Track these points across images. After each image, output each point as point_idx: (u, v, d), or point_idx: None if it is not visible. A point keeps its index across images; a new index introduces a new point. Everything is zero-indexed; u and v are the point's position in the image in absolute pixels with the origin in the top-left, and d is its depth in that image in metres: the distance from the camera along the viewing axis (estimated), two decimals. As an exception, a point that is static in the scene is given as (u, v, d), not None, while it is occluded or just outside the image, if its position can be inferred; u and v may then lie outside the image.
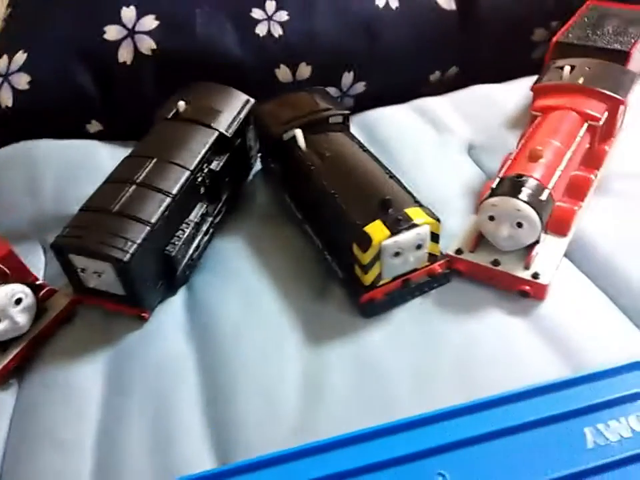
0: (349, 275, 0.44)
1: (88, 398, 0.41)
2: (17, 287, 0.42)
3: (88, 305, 0.47)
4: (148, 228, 0.43)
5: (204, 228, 0.51)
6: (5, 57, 0.60)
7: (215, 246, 0.52)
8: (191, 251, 0.49)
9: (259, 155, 0.60)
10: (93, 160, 0.59)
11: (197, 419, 0.39)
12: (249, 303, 0.46)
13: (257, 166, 0.61)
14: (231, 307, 0.46)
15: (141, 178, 0.46)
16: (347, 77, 0.66)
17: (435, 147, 0.61)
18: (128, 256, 0.41)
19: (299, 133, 0.51)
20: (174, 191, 0.46)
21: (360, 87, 0.68)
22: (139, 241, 0.42)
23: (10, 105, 0.59)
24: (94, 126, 0.63)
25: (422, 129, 0.63)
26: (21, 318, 0.42)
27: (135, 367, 0.42)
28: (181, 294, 0.48)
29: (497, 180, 0.44)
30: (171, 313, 0.46)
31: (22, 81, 0.59)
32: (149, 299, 0.46)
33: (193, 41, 0.61)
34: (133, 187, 0.46)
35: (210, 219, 0.52)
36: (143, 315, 0.45)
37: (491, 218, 0.43)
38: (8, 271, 0.43)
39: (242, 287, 0.48)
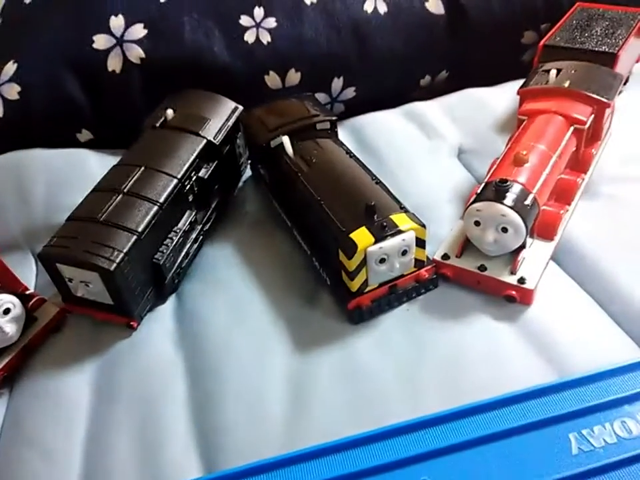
0: (337, 281, 0.45)
1: (76, 407, 0.41)
2: (5, 297, 0.42)
3: (77, 314, 0.47)
4: (135, 237, 0.43)
5: (193, 236, 0.51)
6: (-2, 66, 0.61)
7: (204, 253, 0.52)
8: (179, 259, 0.49)
9: (249, 161, 0.61)
10: (83, 168, 0.59)
11: (185, 426, 0.39)
12: (237, 311, 0.46)
13: (247, 173, 0.61)
14: (219, 315, 0.46)
15: (128, 187, 0.47)
16: (337, 83, 0.67)
17: (425, 152, 0.61)
18: (114, 265, 0.41)
19: (285, 139, 0.52)
20: (161, 199, 0.46)
21: (350, 92, 0.68)
22: (125, 250, 0.42)
23: (0, 115, 0.60)
24: (84, 135, 0.63)
25: (412, 134, 0.63)
26: (10, 328, 0.42)
27: (123, 375, 0.42)
28: (170, 302, 0.48)
29: (482, 185, 0.45)
30: (160, 321, 0.46)
31: (12, 91, 0.60)
32: (137, 307, 0.46)
33: (182, 48, 0.61)
34: (120, 195, 0.46)
35: (199, 227, 0.52)
36: (132, 323, 0.45)
37: (477, 223, 0.43)
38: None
39: (231, 294, 0.48)
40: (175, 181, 0.48)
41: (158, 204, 0.46)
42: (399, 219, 0.42)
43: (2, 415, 0.42)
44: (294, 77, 0.65)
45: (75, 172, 0.59)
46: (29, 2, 0.62)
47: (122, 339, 0.45)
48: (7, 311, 0.42)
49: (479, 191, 0.44)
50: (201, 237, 0.52)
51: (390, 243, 0.41)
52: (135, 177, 0.47)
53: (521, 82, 0.58)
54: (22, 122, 0.60)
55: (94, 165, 0.60)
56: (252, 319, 0.45)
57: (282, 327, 0.45)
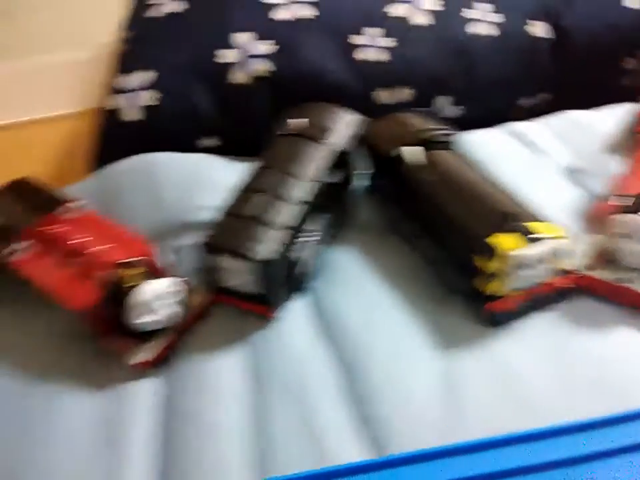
0: (470, 286, 0.47)
1: (231, 388, 0.44)
2: (172, 280, 0.46)
3: (219, 303, 0.50)
4: (282, 233, 0.47)
5: (321, 238, 0.54)
6: (134, 74, 0.66)
7: (332, 256, 0.55)
8: (310, 258, 0.52)
9: (368, 171, 0.63)
10: (210, 172, 0.63)
11: (343, 414, 0.41)
12: (371, 308, 0.49)
13: (365, 182, 0.64)
14: (354, 311, 0.49)
15: (270, 188, 0.50)
16: (444, 101, 0.70)
17: (533, 169, 0.63)
18: (268, 258, 0.45)
19: (410, 150, 0.54)
20: (303, 201, 0.50)
21: (456, 110, 0.71)
22: (277, 245, 0.46)
23: (137, 119, 0.65)
24: (210, 141, 0.67)
25: (518, 152, 0.65)
26: (170, 310, 0.46)
27: (271, 362, 0.45)
28: (305, 299, 0.51)
29: (629, 199, 0.46)
30: (298, 316, 0.49)
31: (149, 98, 0.65)
32: (278, 299, 0.49)
33: (302, 64, 0.65)
34: (266, 195, 0.49)
35: (326, 230, 0.55)
36: (272, 314, 0.48)
37: (624, 235, 0.45)
38: (158, 267, 0.47)
39: (363, 292, 0.50)
40: (311, 184, 0.52)
41: (300, 205, 0.49)
42: (542, 227, 0.44)
43: (161, 393, 0.44)
44: (404, 94, 0.68)
45: (202, 175, 0.62)
46: (164, 16, 0.68)
47: (265, 329, 0.48)
48: (170, 295, 0.46)
49: (627, 204, 0.46)
50: (328, 240, 0.55)
51: (535, 250, 0.43)
52: (275, 179, 0.51)
53: (622, 106, 0.60)
54: (156, 126, 0.65)
55: (219, 170, 0.63)
56: (387, 317, 0.48)
57: (418, 328, 0.47)
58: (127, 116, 0.65)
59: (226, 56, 0.65)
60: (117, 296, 0.43)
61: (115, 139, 0.66)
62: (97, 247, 0.46)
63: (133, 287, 0.43)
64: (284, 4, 0.67)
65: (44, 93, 1.03)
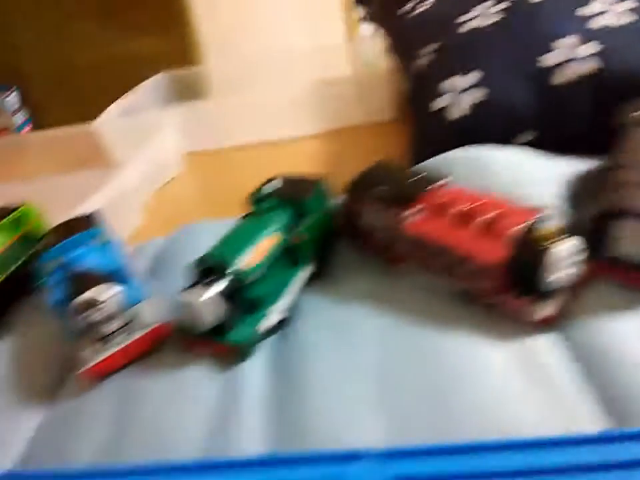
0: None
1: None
2: (575, 242, 0.47)
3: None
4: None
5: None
6: (456, 76, 0.72)
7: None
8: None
9: None
10: (533, 165, 0.66)
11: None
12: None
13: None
14: None
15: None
16: None
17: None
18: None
19: None
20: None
21: None
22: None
23: (463, 114, 0.70)
24: (525, 136, 0.71)
25: None
26: (570, 270, 0.47)
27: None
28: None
29: None
30: None
31: (478, 95, 0.70)
32: None
33: (627, 64, 0.67)
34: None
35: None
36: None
37: None
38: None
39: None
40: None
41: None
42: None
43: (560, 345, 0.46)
44: None
45: (527, 167, 0.65)
46: (485, 26, 0.73)
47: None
48: (575, 255, 0.46)
49: None
50: None
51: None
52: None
53: None
54: (482, 121, 0.70)
55: (543, 163, 0.66)
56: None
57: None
58: (452, 115, 0.70)
59: (553, 58, 0.69)
60: (530, 253, 0.46)
61: (438, 137, 0.72)
62: (492, 211, 0.49)
63: (548, 245, 0.45)
64: (604, 12, 0.70)
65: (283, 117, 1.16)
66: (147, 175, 1.00)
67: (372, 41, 1.63)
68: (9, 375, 0.55)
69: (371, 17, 1.19)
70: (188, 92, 1.44)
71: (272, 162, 1.05)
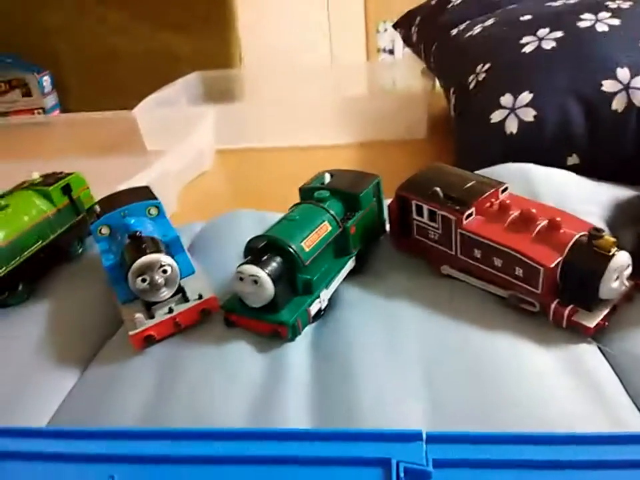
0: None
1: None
2: (627, 255, 0.48)
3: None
4: None
5: None
6: (510, 95, 0.74)
7: None
8: None
9: None
10: (578, 187, 0.67)
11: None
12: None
13: None
14: None
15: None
16: None
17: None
18: None
19: None
20: None
21: None
22: None
23: (514, 131, 0.72)
24: (573, 159, 0.72)
25: None
26: (619, 283, 0.48)
27: None
28: None
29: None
30: None
31: (528, 114, 0.72)
32: None
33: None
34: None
35: None
36: None
37: None
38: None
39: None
40: None
41: None
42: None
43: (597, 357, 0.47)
44: None
45: (572, 188, 0.67)
46: (549, 48, 0.75)
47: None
48: (627, 268, 0.47)
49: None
50: None
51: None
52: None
53: None
54: (530, 140, 0.71)
55: (587, 186, 0.68)
56: None
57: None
58: (508, 129, 0.72)
59: (606, 86, 0.71)
60: (592, 259, 0.46)
61: (494, 148, 0.73)
62: (549, 216, 0.50)
63: (611, 254, 0.46)
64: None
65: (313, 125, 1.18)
66: (184, 165, 1.01)
67: (391, 65, 1.68)
68: (48, 335, 0.56)
69: (411, 38, 1.21)
70: (219, 93, 1.47)
71: (299, 166, 1.07)
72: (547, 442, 0.36)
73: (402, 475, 0.34)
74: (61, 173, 0.70)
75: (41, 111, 1.61)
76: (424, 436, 0.37)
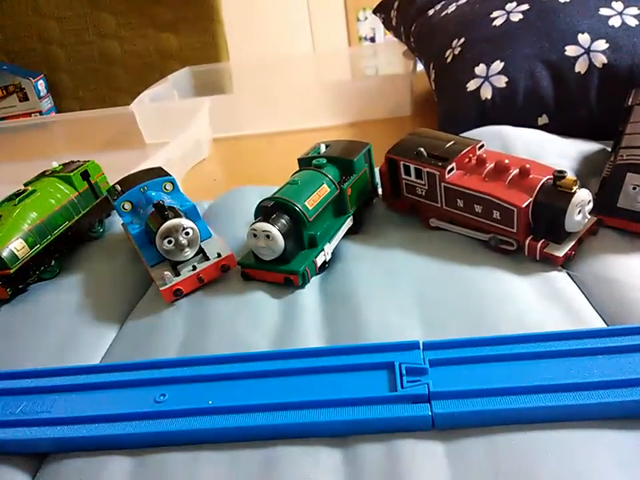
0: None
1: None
2: (587, 191, 0.55)
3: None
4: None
5: None
6: (484, 64, 0.81)
7: None
8: None
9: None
10: (550, 144, 0.75)
11: None
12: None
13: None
14: None
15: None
16: None
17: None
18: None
19: None
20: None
21: None
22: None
23: (489, 97, 0.79)
24: (543, 119, 0.80)
25: None
26: (582, 216, 0.55)
27: None
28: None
29: None
30: None
31: (501, 81, 0.79)
32: None
33: (633, 59, 0.76)
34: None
35: None
36: None
37: None
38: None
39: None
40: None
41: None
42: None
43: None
44: None
45: (545, 146, 0.74)
46: (517, 20, 0.83)
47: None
48: (588, 203, 0.55)
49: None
50: None
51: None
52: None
53: None
54: (503, 104, 0.79)
55: (558, 143, 0.75)
56: None
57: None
58: (483, 95, 0.80)
59: (569, 51, 0.78)
60: (557, 197, 0.54)
61: (472, 113, 0.81)
62: (519, 165, 0.58)
63: (572, 190, 0.53)
64: (617, 14, 0.79)
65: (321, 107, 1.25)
66: (184, 154, 1.08)
67: (373, 50, 1.75)
68: (86, 298, 0.62)
69: (391, 22, 1.28)
70: (209, 86, 1.53)
71: (292, 147, 1.13)
72: (521, 340, 0.44)
73: (404, 372, 0.41)
74: (78, 161, 0.77)
75: (38, 114, 1.67)
76: (421, 345, 0.45)
